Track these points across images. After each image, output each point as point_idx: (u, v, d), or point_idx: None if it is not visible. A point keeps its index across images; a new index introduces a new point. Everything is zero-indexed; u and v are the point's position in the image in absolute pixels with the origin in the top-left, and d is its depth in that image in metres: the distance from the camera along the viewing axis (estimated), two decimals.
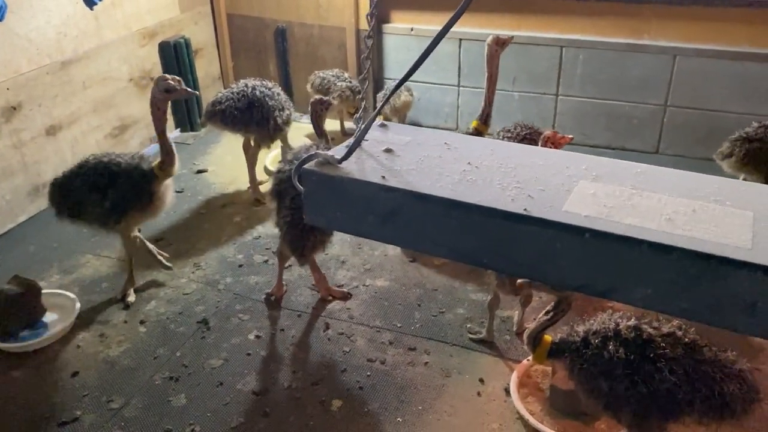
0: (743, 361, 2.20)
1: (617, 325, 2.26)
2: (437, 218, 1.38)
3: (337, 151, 1.53)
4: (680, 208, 1.32)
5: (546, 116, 4.78)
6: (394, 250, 3.90)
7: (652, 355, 2.15)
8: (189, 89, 3.26)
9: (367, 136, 1.56)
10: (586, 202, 1.34)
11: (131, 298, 3.53)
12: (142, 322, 3.38)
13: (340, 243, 3.99)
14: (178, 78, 3.22)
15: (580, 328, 2.35)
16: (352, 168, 1.48)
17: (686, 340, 2.20)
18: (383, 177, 1.44)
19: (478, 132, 3.64)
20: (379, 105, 2.90)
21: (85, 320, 3.38)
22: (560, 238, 1.27)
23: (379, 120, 1.67)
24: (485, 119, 3.65)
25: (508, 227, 1.32)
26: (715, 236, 1.21)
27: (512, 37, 3.62)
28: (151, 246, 3.74)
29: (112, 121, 4.82)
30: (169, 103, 3.28)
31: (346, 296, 3.56)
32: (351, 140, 1.55)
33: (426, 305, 3.45)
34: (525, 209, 1.31)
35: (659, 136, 4.60)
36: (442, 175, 1.46)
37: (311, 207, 1.52)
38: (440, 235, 1.40)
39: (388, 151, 1.57)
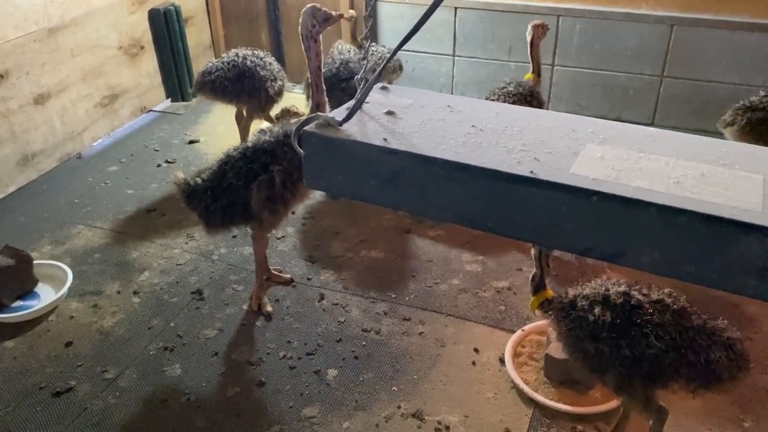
0: (733, 330, 2.20)
1: (607, 290, 2.27)
2: (441, 181, 1.36)
3: (338, 113, 1.50)
4: (689, 172, 1.30)
5: (542, 87, 4.73)
6: (388, 222, 3.88)
7: (639, 321, 2.15)
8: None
9: (368, 99, 1.53)
10: (594, 165, 1.32)
11: (269, 308, 3.25)
12: (135, 293, 3.35)
13: (334, 214, 3.96)
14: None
15: (571, 292, 2.36)
16: (353, 130, 1.45)
17: (675, 307, 2.20)
18: (385, 139, 1.41)
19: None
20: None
21: (77, 291, 3.36)
22: (567, 200, 1.25)
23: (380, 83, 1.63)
24: None
25: (514, 190, 1.30)
26: (725, 199, 1.19)
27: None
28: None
29: (102, 90, 4.73)
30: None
31: None
32: (351, 102, 1.51)
33: (421, 276, 3.44)
34: (531, 171, 1.29)
35: (655, 107, 4.58)
36: (446, 137, 1.43)
37: (311, 170, 1.49)
38: (444, 198, 1.37)
39: (390, 113, 1.53)
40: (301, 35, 2.68)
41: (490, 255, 3.57)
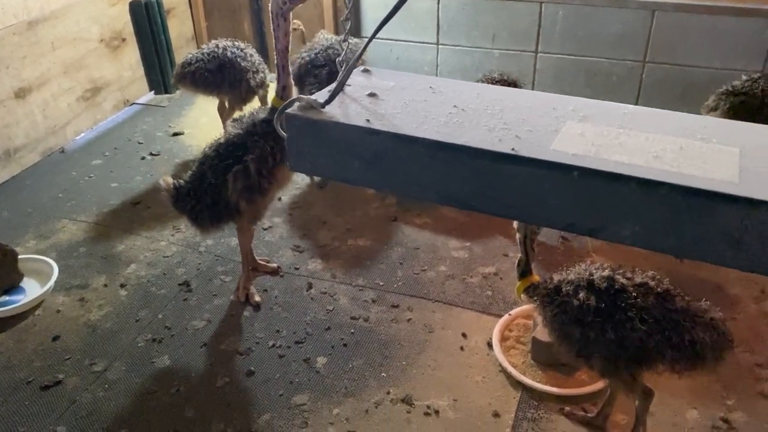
0: (716, 310, 2.23)
1: (591, 275, 2.29)
2: (423, 161, 1.37)
3: (320, 96, 1.50)
4: (667, 146, 1.32)
5: (526, 74, 4.75)
6: (375, 210, 3.89)
7: (623, 305, 2.18)
8: None
9: (350, 82, 1.53)
10: (574, 141, 1.34)
11: (257, 298, 3.24)
12: (122, 286, 3.34)
13: (321, 204, 3.97)
14: None
15: (556, 277, 2.39)
16: (335, 112, 1.45)
17: (659, 290, 2.23)
18: (368, 120, 1.42)
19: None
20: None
21: (64, 285, 3.34)
22: (548, 177, 1.27)
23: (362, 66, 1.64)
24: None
25: (496, 168, 1.31)
26: (703, 172, 1.21)
27: None
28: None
29: (84, 84, 4.69)
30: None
31: None
32: (333, 84, 1.52)
33: (408, 263, 3.45)
34: (513, 149, 1.30)
35: (638, 92, 4.61)
36: (428, 117, 1.44)
37: (295, 153, 1.49)
38: (427, 178, 1.38)
39: (372, 95, 1.54)
40: (271, 12, 2.61)
41: (477, 241, 3.59)
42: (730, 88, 3.57)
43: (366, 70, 1.71)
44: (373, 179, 1.46)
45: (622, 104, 1.53)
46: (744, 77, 3.60)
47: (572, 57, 4.64)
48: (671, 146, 1.32)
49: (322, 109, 1.47)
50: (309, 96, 1.48)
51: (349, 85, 1.58)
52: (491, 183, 1.33)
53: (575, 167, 1.24)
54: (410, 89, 1.61)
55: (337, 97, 1.50)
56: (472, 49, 4.84)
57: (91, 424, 2.60)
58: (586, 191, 1.25)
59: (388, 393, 2.70)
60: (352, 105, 1.50)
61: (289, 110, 1.47)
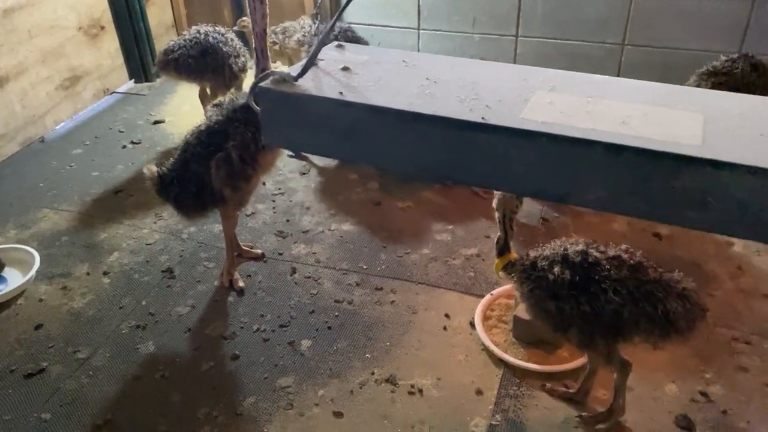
0: (688, 280, 2.26)
1: (565, 249, 2.32)
2: (396, 132, 1.38)
3: (293, 69, 1.51)
4: (633, 113, 1.34)
5: (507, 58, 4.77)
6: (358, 195, 3.90)
7: (597, 277, 2.20)
8: None
9: (324, 56, 1.54)
10: (543, 109, 1.36)
11: (241, 283, 3.24)
12: (105, 274, 3.33)
13: (304, 190, 3.97)
14: None
15: (532, 253, 2.41)
16: (308, 85, 1.46)
17: (632, 262, 2.26)
18: (341, 93, 1.43)
19: None
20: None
21: (46, 274, 3.32)
22: (517, 144, 1.29)
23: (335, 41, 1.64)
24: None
25: (466, 137, 1.32)
26: (667, 136, 1.23)
27: None
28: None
29: (63, 72, 4.65)
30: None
31: None
32: (306, 58, 1.52)
33: (391, 247, 3.47)
34: (482, 118, 1.31)
35: (617, 74, 4.64)
36: (401, 90, 1.46)
37: (269, 127, 1.50)
38: (400, 149, 1.40)
39: (345, 69, 1.55)
40: None
41: (459, 224, 3.61)
42: (711, 68, 3.60)
43: (340, 45, 1.72)
44: (347, 151, 1.47)
45: (590, 74, 1.55)
46: (723, 58, 3.63)
47: (552, 40, 4.66)
48: (637, 113, 1.34)
49: (295, 83, 1.48)
50: (282, 70, 1.48)
51: (323, 60, 1.59)
52: (462, 152, 1.35)
53: (543, 134, 1.26)
54: (383, 63, 1.62)
55: (310, 71, 1.51)
56: (453, 34, 4.84)
57: (76, 410, 2.59)
58: (554, 157, 1.27)
59: (373, 373, 2.72)
60: (325, 78, 1.51)
61: (262, 84, 1.48)
